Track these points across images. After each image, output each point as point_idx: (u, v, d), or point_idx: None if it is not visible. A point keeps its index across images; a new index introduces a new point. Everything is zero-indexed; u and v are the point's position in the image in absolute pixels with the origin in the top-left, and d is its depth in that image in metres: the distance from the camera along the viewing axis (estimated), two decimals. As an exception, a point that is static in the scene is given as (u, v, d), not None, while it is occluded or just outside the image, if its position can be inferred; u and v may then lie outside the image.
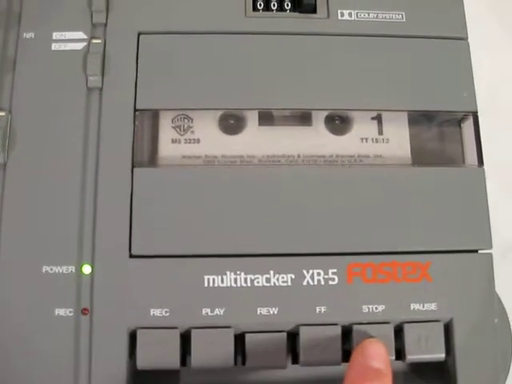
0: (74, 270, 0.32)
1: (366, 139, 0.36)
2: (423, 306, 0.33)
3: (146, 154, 0.34)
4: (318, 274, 0.33)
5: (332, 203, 0.34)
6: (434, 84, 0.36)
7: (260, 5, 0.37)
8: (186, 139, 0.35)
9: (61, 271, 0.32)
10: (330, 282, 0.33)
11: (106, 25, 0.35)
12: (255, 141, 0.36)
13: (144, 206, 0.33)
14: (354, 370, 0.30)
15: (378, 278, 0.33)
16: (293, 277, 0.33)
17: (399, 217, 0.34)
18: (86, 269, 0.33)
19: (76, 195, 0.33)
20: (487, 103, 0.37)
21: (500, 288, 0.34)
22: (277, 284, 0.32)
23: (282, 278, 0.33)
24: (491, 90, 0.44)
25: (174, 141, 0.35)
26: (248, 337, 0.32)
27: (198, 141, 0.35)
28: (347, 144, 0.36)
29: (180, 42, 0.35)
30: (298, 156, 0.35)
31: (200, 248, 0.33)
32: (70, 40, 0.35)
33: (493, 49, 0.48)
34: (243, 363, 0.32)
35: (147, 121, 0.35)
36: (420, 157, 0.36)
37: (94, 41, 0.35)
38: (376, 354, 0.30)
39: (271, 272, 0.33)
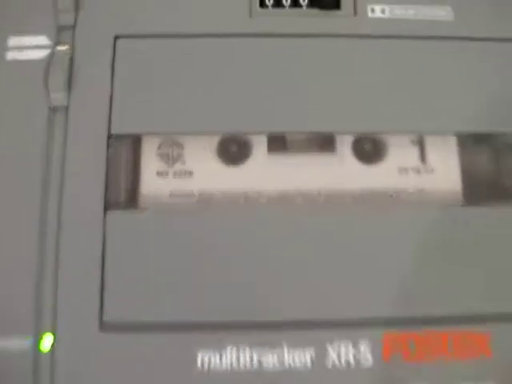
0: (29, 345, 0.26)
1: (406, 169, 0.30)
2: (480, 388, 0.26)
3: (123, 192, 0.29)
4: (347, 350, 0.25)
5: (365, 255, 0.27)
6: (490, 99, 0.30)
7: (269, 0, 0.30)
8: (175, 172, 0.30)
9: (12, 347, 0.26)
10: (363, 363, 0.25)
11: (74, 27, 0.30)
12: (263, 173, 0.30)
13: (120, 259, 0.27)
14: None
15: (423, 354, 0.25)
16: (313, 354, 0.25)
17: (449, 272, 0.27)
18: (46, 342, 0.26)
19: (33, 246, 0.27)
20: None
21: None
22: (292, 365, 0.25)
23: (299, 356, 0.25)
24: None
25: (159, 174, 0.30)
26: None
27: (191, 173, 0.30)
28: (382, 176, 0.30)
29: (167, 47, 0.30)
30: (319, 193, 0.29)
31: (193, 316, 0.26)
32: (30, 47, 0.30)
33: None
34: None
35: (125, 148, 0.29)
36: (473, 192, 0.29)
37: (60, 47, 0.29)
38: None
39: (284, 347, 0.26)
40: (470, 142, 0.30)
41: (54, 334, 0.26)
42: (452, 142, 0.30)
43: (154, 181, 0.29)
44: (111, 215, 0.27)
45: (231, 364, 0.26)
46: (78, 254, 0.27)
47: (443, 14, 0.30)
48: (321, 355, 0.26)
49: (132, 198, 0.29)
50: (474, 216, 0.28)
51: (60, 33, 0.30)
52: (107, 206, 0.27)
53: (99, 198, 0.27)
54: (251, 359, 0.26)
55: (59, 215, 0.27)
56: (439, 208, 0.28)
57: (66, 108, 0.29)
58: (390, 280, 0.27)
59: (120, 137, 0.29)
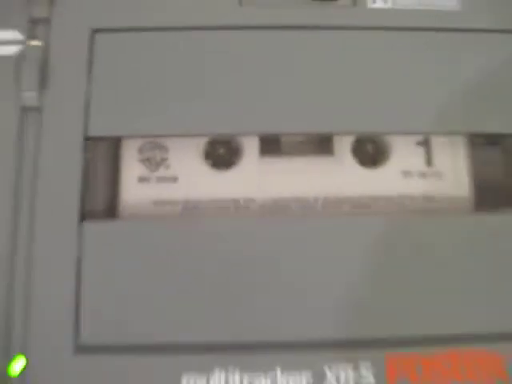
0: None
1: (410, 173, 0.28)
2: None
3: (101, 201, 0.27)
4: (346, 374, 0.23)
5: (366, 269, 0.25)
6: (500, 96, 0.27)
7: None
8: (158, 177, 0.28)
9: None
10: None
11: (49, 20, 0.28)
12: (255, 178, 0.28)
13: (97, 275, 0.25)
14: None
15: (433, 378, 0.23)
16: (310, 379, 0.23)
17: (459, 286, 0.25)
18: (16, 366, 0.24)
19: (4, 260, 0.25)
20: None
21: None
22: None
23: (294, 380, 0.23)
24: None
25: (141, 180, 0.28)
26: None
27: (176, 179, 0.28)
28: (384, 180, 0.28)
29: (149, 42, 0.27)
30: (316, 200, 0.27)
31: (176, 336, 0.24)
32: (0, 41, 0.28)
33: None
34: None
35: (104, 152, 0.27)
36: (485, 198, 0.27)
37: (33, 43, 0.27)
38: None
39: (278, 370, 0.24)
40: (480, 143, 0.28)
41: (25, 357, 0.24)
42: (460, 143, 0.28)
43: (136, 187, 0.27)
44: (88, 226, 0.25)
45: (219, 389, 0.24)
46: (51, 269, 0.25)
47: (450, 3, 0.28)
48: (318, 379, 0.24)
49: (111, 207, 0.27)
50: (485, 224, 0.26)
51: (33, 26, 0.28)
52: (83, 216, 0.26)
53: (74, 206, 0.25)
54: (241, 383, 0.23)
55: (31, 226, 0.25)
56: (448, 216, 0.26)
57: (40, 108, 0.27)
58: (394, 296, 0.25)
59: (98, 139, 0.27)
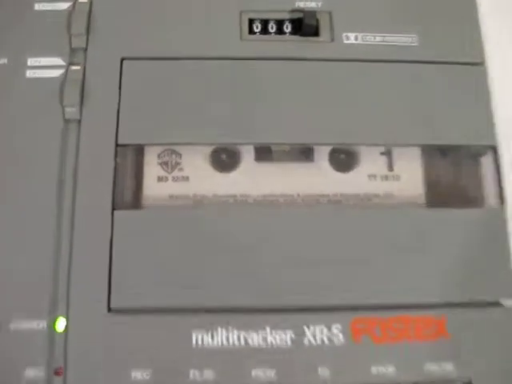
0: (45, 326, 0.29)
1: (375, 176, 0.33)
2: (439, 366, 0.29)
3: (128, 195, 0.31)
4: (321, 332, 0.29)
5: (336, 249, 0.30)
6: (449, 115, 0.32)
7: (257, 27, 0.34)
8: (173, 177, 0.33)
9: (31, 327, 0.29)
10: (336, 342, 0.29)
11: (85, 50, 0.32)
12: (251, 179, 0.33)
13: (126, 252, 0.30)
14: None
15: (388, 337, 0.29)
16: (292, 335, 0.29)
17: (410, 265, 0.30)
18: (60, 324, 0.29)
19: (50, 240, 0.30)
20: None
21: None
22: (274, 343, 0.29)
23: (280, 336, 0.29)
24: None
25: (160, 179, 0.32)
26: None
27: (187, 179, 0.33)
28: (353, 182, 0.33)
29: (167, 68, 0.32)
30: (298, 195, 0.32)
31: (187, 301, 0.29)
32: (46, 66, 0.32)
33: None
34: None
35: (130, 157, 0.32)
36: (434, 196, 0.33)
37: (73, 67, 0.32)
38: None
39: (267, 329, 0.29)
40: (432, 153, 0.33)
41: (66, 318, 0.29)
42: (416, 152, 0.33)
43: (155, 185, 0.32)
44: (118, 214, 0.30)
45: (222, 342, 0.29)
46: (89, 247, 0.29)
47: (410, 40, 0.33)
48: (299, 335, 0.29)
49: (136, 200, 0.31)
50: (434, 216, 0.31)
51: (73, 54, 0.32)
52: (115, 206, 0.30)
53: (108, 199, 0.30)
54: (239, 338, 0.29)
55: (73, 214, 0.30)
56: (404, 209, 0.32)
57: (79, 121, 0.31)
58: (360, 272, 0.30)
59: (126, 146, 0.31)
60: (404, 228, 0.31)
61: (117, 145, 0.31)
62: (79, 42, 0.32)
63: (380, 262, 0.30)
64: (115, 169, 0.31)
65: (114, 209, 0.30)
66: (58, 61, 0.32)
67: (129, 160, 0.32)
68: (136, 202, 0.31)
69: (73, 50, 0.32)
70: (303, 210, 0.31)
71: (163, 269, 0.30)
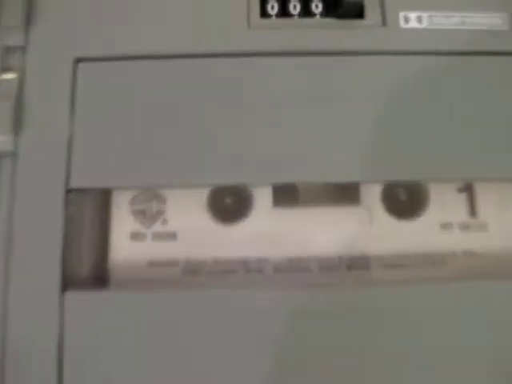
0: None
1: (451, 225, 0.24)
2: None
3: (86, 264, 0.23)
4: None
5: (398, 350, 0.21)
6: None
7: (272, 7, 0.25)
8: (154, 233, 0.24)
9: None
10: None
11: (24, 49, 0.24)
12: (268, 233, 0.24)
13: (82, 358, 0.22)
14: None
15: None
16: None
17: None
18: None
19: None
20: None
21: None
22: None
23: None
24: None
25: (134, 237, 0.24)
26: None
27: (174, 236, 0.24)
28: (420, 234, 0.24)
29: (142, 72, 0.24)
30: (340, 259, 0.23)
31: None
32: None
33: None
34: None
35: (90, 205, 0.24)
36: None
37: (6, 76, 0.24)
38: None
39: None
40: None
41: None
42: (509, 190, 0.24)
43: (128, 246, 0.24)
44: (71, 297, 0.22)
45: None
46: (29, 348, 0.21)
47: (498, 22, 0.24)
48: None
49: (99, 272, 0.23)
50: None
51: (6, 56, 0.24)
52: (65, 285, 0.22)
53: (55, 272, 0.22)
54: None
55: (5, 297, 0.22)
56: (497, 279, 0.22)
57: (14, 154, 0.23)
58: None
59: (82, 191, 0.23)
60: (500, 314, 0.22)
61: (68, 189, 0.23)
62: (15, 39, 0.24)
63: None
64: (66, 224, 0.23)
65: (64, 288, 0.22)
66: (-16, 65, 0.24)
67: (87, 210, 0.24)
68: (99, 277, 0.23)
69: (6, 50, 0.24)
70: (351, 285, 0.23)
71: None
